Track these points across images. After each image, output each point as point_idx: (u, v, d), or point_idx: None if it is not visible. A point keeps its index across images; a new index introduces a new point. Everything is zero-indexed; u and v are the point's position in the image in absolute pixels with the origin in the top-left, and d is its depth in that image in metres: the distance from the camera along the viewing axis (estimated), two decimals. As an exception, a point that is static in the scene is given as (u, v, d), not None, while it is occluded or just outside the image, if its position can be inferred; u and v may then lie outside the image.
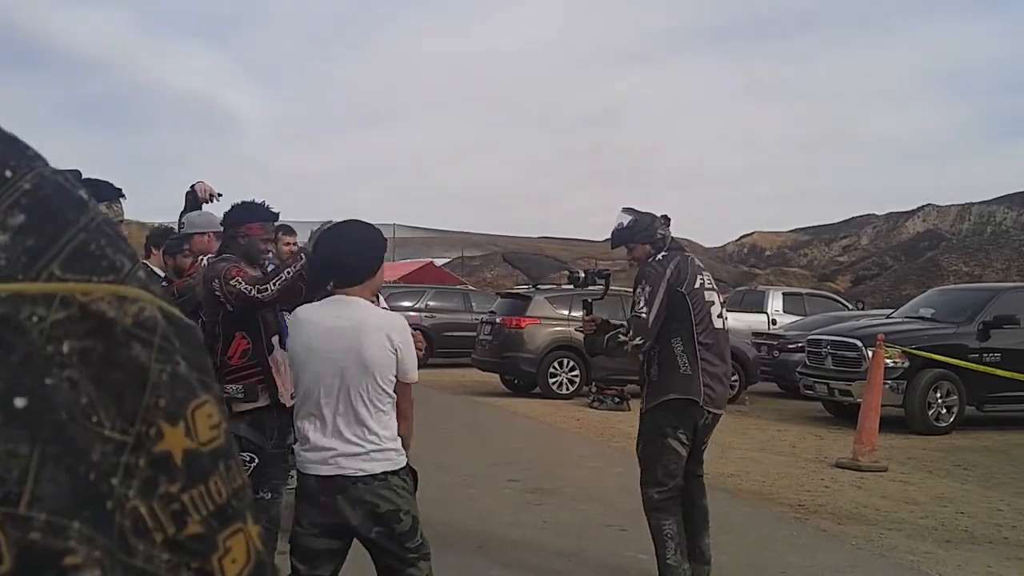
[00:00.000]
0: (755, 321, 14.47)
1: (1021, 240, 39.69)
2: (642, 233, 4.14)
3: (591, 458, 7.77)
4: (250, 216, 3.65)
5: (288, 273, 3.30)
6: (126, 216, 4.15)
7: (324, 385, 2.63)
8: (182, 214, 4.54)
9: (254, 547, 0.64)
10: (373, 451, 2.61)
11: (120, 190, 4.07)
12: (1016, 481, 7.00)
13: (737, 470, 7.16)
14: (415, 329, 3.03)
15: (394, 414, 2.70)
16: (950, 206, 47.97)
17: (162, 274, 4.45)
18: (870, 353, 8.23)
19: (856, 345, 9.78)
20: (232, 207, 3.73)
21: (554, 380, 12.28)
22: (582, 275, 4.78)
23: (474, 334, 13.81)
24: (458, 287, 21.52)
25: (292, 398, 3.54)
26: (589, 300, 4.49)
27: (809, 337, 10.98)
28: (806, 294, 17.05)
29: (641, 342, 3.93)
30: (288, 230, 5.02)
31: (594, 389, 11.59)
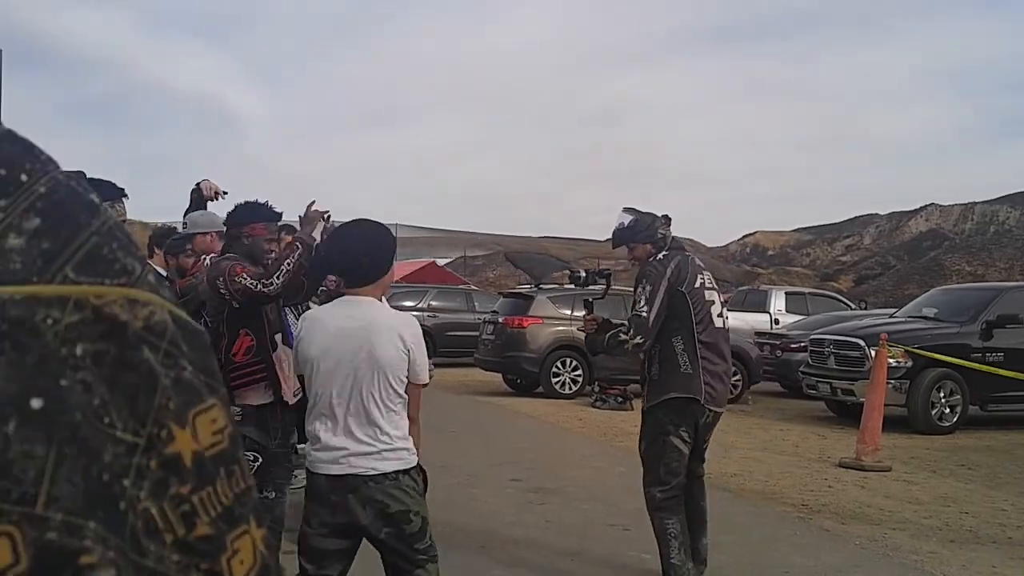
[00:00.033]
0: (758, 321, 14.44)
1: (1024, 239, 39.65)
2: (643, 233, 4.16)
3: (594, 458, 7.77)
4: (254, 216, 3.67)
5: (288, 264, 3.35)
6: (128, 216, 4.17)
7: (336, 385, 2.63)
8: (187, 212, 4.56)
9: (259, 550, 0.65)
10: (384, 450, 2.61)
11: (123, 190, 4.08)
12: (1020, 481, 6.99)
13: (740, 470, 7.16)
14: None
15: (405, 414, 2.70)
16: (953, 205, 47.92)
17: (164, 273, 4.46)
18: (873, 353, 8.23)
19: (859, 345, 9.77)
20: (236, 207, 3.75)
21: (557, 380, 12.28)
22: (583, 274, 4.79)
23: (477, 334, 13.81)
24: (460, 287, 21.51)
25: (295, 395, 3.56)
26: (590, 299, 4.51)
27: (812, 337, 10.96)
28: (809, 294, 17.02)
29: (641, 341, 3.95)
30: (291, 230, 5.02)
31: (597, 389, 11.59)
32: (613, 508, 5.71)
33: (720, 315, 4.12)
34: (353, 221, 2.87)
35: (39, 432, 0.52)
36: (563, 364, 12.31)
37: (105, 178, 3.99)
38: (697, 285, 4.03)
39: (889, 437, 8.12)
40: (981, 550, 4.98)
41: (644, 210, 4.26)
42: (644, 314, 3.94)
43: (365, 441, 2.60)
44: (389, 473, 2.61)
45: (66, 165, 0.64)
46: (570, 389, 12.25)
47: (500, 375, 13.25)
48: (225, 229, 3.84)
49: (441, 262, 34.33)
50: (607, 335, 4.10)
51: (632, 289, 4.19)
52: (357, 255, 2.73)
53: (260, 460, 3.48)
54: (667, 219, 4.24)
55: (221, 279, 3.40)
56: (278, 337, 3.62)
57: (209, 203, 4.66)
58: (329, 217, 3.62)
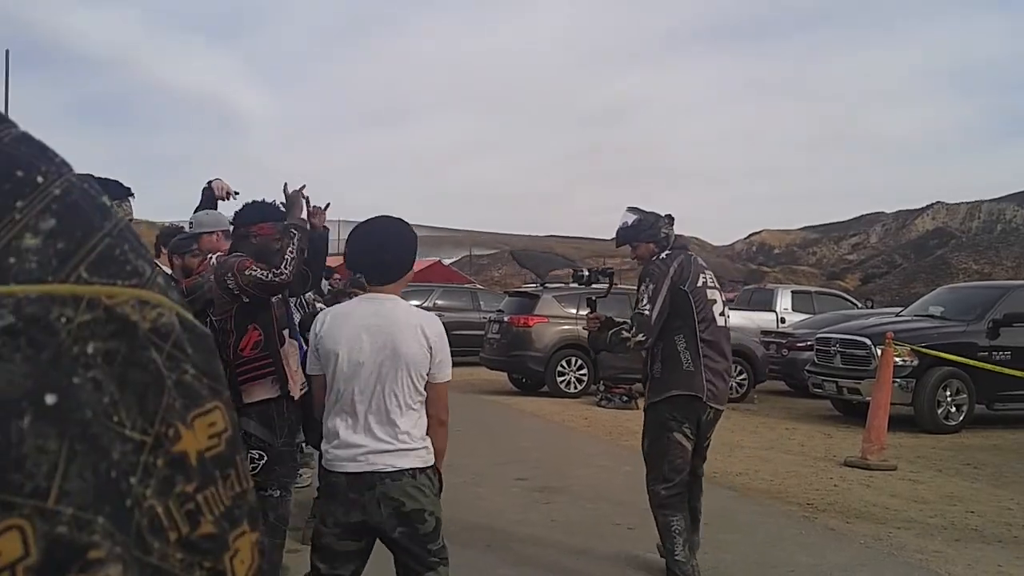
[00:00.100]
0: (764, 319, 14.42)
1: (1031, 238, 39.46)
2: (646, 232, 4.19)
3: (599, 456, 7.77)
4: (262, 216, 3.70)
5: (291, 251, 3.43)
6: (135, 215, 4.19)
7: (360, 382, 2.61)
8: (196, 210, 4.59)
9: (257, 550, 0.66)
10: (403, 448, 2.60)
11: (129, 189, 4.10)
12: (1026, 480, 6.98)
13: (746, 468, 7.15)
14: None
15: (424, 413, 2.68)
16: (959, 204, 47.72)
17: (168, 272, 4.48)
18: (879, 351, 8.20)
19: (865, 343, 9.75)
20: (243, 207, 3.78)
21: (562, 379, 12.28)
22: (586, 273, 4.82)
23: (482, 333, 13.81)
24: (466, 286, 21.54)
25: (301, 390, 3.58)
26: (593, 298, 4.54)
27: (818, 335, 10.94)
28: (815, 292, 16.97)
29: (644, 338, 3.98)
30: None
31: (602, 388, 11.59)
32: (619, 507, 5.71)
33: (722, 313, 4.16)
34: (374, 218, 2.83)
35: (52, 428, 0.53)
36: (568, 363, 12.31)
37: (112, 177, 4.01)
38: (699, 284, 4.06)
39: (895, 436, 8.11)
40: (987, 549, 4.97)
41: (648, 209, 4.29)
42: (647, 312, 3.97)
43: (384, 439, 2.59)
44: (407, 469, 2.59)
45: (72, 165, 0.65)
46: (575, 388, 12.25)
47: (506, 374, 13.25)
48: (232, 228, 3.86)
49: (447, 261, 34.38)
50: (610, 332, 4.12)
51: (636, 288, 4.22)
52: (379, 253, 2.71)
53: (265, 458, 3.50)
54: (670, 219, 4.27)
55: (230, 274, 3.43)
56: (285, 332, 3.65)
57: (220, 203, 4.68)
58: (306, 193, 3.66)
